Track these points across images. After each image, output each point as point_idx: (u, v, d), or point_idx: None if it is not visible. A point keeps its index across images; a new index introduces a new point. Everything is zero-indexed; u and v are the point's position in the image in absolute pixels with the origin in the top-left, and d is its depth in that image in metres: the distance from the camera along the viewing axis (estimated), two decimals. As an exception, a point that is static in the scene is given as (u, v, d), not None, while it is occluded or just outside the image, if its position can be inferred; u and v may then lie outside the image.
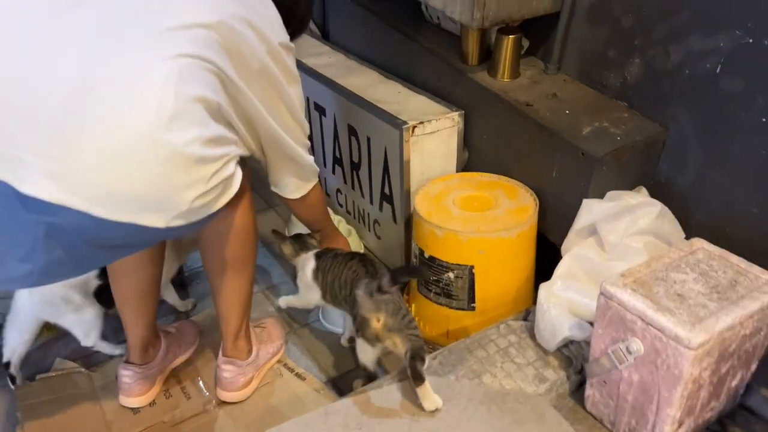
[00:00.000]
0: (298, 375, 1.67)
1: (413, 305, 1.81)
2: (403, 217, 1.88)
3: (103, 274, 1.58)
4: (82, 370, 1.69)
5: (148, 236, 1.13)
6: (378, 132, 1.87)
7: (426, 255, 1.65)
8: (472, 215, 1.62)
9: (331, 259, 1.60)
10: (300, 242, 1.69)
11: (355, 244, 2.15)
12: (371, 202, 2.04)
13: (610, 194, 1.54)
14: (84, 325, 1.65)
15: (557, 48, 1.76)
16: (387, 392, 1.35)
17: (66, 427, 1.52)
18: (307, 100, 2.24)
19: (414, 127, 1.76)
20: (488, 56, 1.84)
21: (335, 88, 2.04)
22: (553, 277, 1.51)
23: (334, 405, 1.32)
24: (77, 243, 1.08)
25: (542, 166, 1.66)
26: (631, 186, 1.59)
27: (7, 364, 1.63)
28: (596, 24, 1.65)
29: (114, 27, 1.04)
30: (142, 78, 1.01)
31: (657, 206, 1.49)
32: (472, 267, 1.59)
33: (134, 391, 1.56)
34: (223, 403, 1.58)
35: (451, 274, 1.62)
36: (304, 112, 1.41)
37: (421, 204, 1.68)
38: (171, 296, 1.91)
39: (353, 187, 2.13)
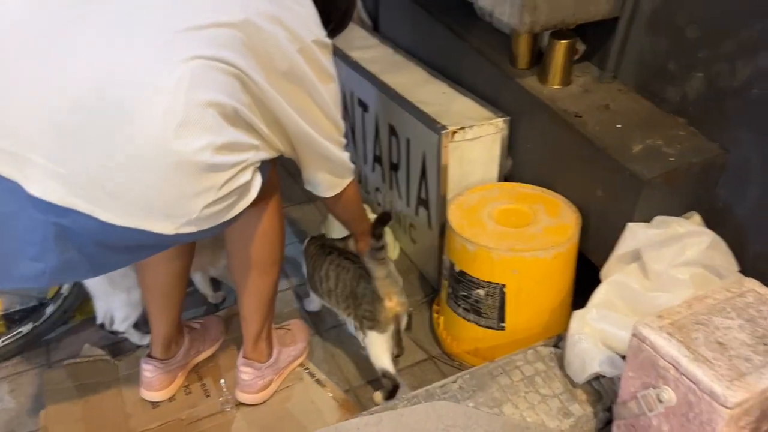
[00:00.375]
0: (318, 381, 1.64)
1: (442, 318, 1.75)
2: (438, 223, 1.81)
3: None
4: (109, 358, 1.70)
5: (160, 241, 1.10)
6: (417, 134, 1.80)
7: (456, 269, 1.58)
8: (507, 231, 1.53)
9: (316, 248, 1.66)
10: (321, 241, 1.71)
11: (390, 246, 2.09)
12: (408, 204, 1.98)
13: (657, 219, 1.43)
14: (127, 307, 1.66)
15: (614, 55, 1.64)
16: (400, 416, 1.29)
17: (86, 415, 1.54)
18: (351, 94, 2.19)
19: (454, 132, 1.68)
20: (539, 60, 1.73)
21: (378, 85, 1.98)
22: (588, 304, 1.42)
23: (345, 425, 1.28)
24: (89, 245, 1.07)
25: (587, 183, 1.55)
26: (683, 211, 1.47)
27: (102, 325, 1.70)
28: (657, 33, 1.53)
29: (130, 26, 1.00)
30: (153, 83, 0.98)
31: (708, 236, 1.38)
32: (503, 286, 1.51)
33: (154, 386, 1.56)
34: (240, 404, 1.56)
35: (481, 291, 1.54)
36: (340, 110, 1.34)
37: (454, 215, 1.60)
38: (204, 286, 1.91)
39: (391, 188, 2.07)
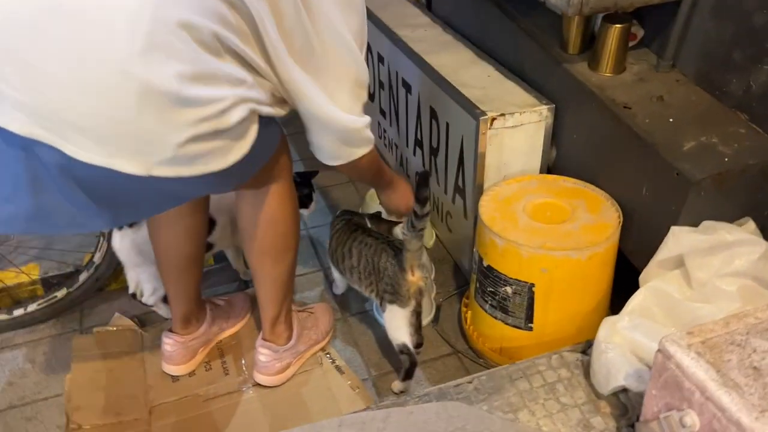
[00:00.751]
0: (338, 368, 1.61)
1: (469, 313, 1.68)
2: (474, 213, 1.73)
3: None
4: (137, 328, 1.73)
5: (141, 188, 1.01)
6: (456, 119, 1.72)
7: (485, 263, 1.50)
8: (541, 227, 1.45)
9: (343, 224, 1.63)
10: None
11: (427, 233, 2.03)
12: (445, 192, 1.91)
13: (705, 224, 1.31)
14: (155, 281, 1.66)
15: (673, 42, 1.51)
16: (409, 413, 1.24)
17: (108, 384, 1.56)
18: (396, 74, 2.12)
19: (493, 119, 1.59)
20: (592, 44, 1.62)
21: (422, 66, 1.90)
22: (622, 312, 1.32)
23: (351, 417, 1.24)
24: (64, 188, 0.99)
25: (632, 180, 1.44)
26: (736, 217, 1.35)
27: (134, 295, 1.71)
28: (722, 19, 1.39)
29: None
30: None
31: (761, 246, 1.25)
32: (532, 285, 1.43)
33: (174, 360, 1.57)
34: (258, 385, 1.55)
35: (508, 289, 1.47)
36: (364, 53, 1.20)
37: (486, 207, 1.52)
38: (236, 262, 1.90)
39: (430, 173, 2.00)
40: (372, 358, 1.66)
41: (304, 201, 1.84)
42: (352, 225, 1.64)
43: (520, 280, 1.44)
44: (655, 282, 1.33)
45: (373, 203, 2.10)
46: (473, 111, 1.62)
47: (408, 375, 1.51)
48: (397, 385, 1.53)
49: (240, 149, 1.05)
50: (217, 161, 1.01)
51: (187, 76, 0.91)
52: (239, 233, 1.43)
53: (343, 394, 1.53)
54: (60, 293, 1.76)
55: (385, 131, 2.39)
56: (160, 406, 1.51)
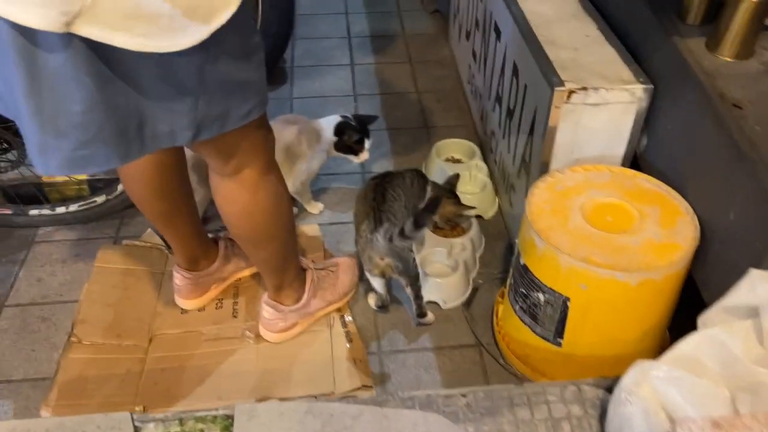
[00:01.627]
0: (348, 334, 1.49)
1: (501, 307, 1.49)
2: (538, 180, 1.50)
3: None
4: (163, 247, 1.69)
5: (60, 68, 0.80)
6: (534, 82, 1.47)
7: (521, 261, 1.30)
8: (594, 233, 1.21)
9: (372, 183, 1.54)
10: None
11: (489, 200, 1.83)
12: (513, 162, 1.67)
13: (797, 276, 1.03)
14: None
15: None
16: (384, 416, 1.11)
17: (120, 302, 1.55)
18: (490, 15, 1.86)
19: (572, 91, 1.33)
20: (715, 16, 1.29)
21: (515, 11, 1.64)
22: (663, 357, 1.08)
23: (321, 406, 1.12)
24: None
25: (722, 198, 1.16)
26: (844, 272, 1.05)
27: None
28: None
29: None
30: None
31: None
32: (567, 299, 1.21)
33: (183, 294, 1.52)
34: (260, 336, 1.48)
35: (541, 296, 1.26)
36: None
37: (538, 196, 1.30)
38: (304, 196, 1.81)
39: (503, 136, 1.76)
40: (386, 330, 1.53)
41: (354, 148, 1.70)
42: (377, 187, 1.50)
43: (554, 291, 1.22)
44: (717, 330, 1.08)
45: (438, 158, 1.92)
46: (551, 78, 1.36)
47: (380, 308, 1.56)
48: (372, 299, 1.57)
49: (205, 24, 0.81)
50: (167, 36, 0.78)
51: None
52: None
53: (343, 366, 1.42)
54: (99, 198, 1.75)
55: (473, 77, 2.15)
56: (161, 336, 1.48)
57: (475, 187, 1.87)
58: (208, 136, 0.97)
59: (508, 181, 1.73)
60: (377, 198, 1.45)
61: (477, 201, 1.80)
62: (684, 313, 1.21)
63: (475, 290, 1.61)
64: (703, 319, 1.12)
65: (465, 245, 1.63)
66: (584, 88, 1.33)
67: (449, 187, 1.67)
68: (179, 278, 1.49)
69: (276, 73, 2.40)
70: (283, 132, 1.64)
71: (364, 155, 1.72)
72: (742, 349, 1.06)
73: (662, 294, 1.20)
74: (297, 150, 1.68)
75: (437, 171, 1.91)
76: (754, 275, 1.04)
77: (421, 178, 1.59)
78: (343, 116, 1.72)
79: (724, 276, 1.14)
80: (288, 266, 1.39)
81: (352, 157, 1.73)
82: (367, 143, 1.71)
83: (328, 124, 1.71)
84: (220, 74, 0.93)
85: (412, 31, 2.77)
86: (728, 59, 1.25)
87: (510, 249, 1.72)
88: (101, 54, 0.80)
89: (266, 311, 1.43)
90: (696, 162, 1.24)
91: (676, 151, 1.31)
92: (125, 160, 0.92)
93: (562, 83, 1.33)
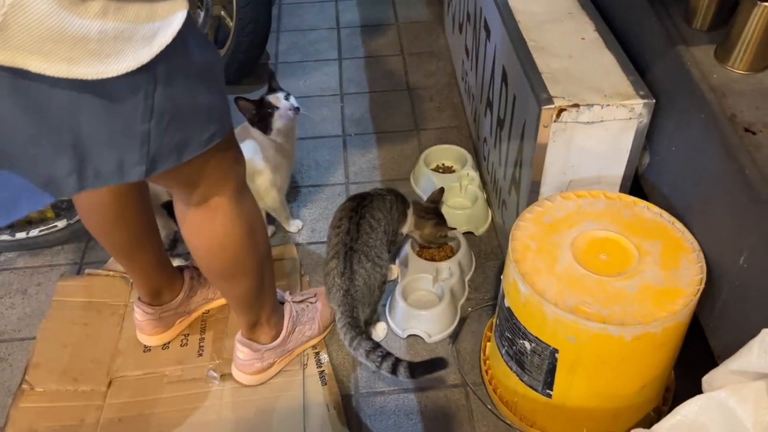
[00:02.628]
0: (322, 375, 1.37)
1: (489, 345, 1.36)
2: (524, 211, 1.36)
3: None
4: (128, 278, 1.57)
5: None
6: (523, 95, 1.31)
7: (506, 302, 1.16)
8: (585, 276, 1.07)
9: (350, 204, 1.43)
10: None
11: (481, 215, 1.68)
12: (504, 176, 1.53)
13: (817, 340, 0.88)
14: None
15: None
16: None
17: (77, 341, 1.44)
18: (480, 11, 1.69)
19: (562, 109, 1.18)
20: (726, 21, 1.13)
21: (503, 9, 1.47)
22: (662, 422, 0.95)
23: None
24: None
25: (731, 239, 1.01)
26: None
27: None
28: None
29: None
30: None
31: None
32: (555, 350, 1.08)
33: (145, 330, 1.41)
34: (229, 374, 1.36)
35: (527, 344, 1.12)
36: None
37: (523, 230, 1.16)
38: (281, 213, 1.68)
39: (495, 146, 1.61)
40: (365, 367, 1.40)
41: (269, 111, 1.50)
42: (353, 214, 1.38)
43: (541, 340, 1.09)
44: (723, 394, 0.94)
45: (426, 167, 1.78)
46: (539, 93, 1.20)
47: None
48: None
49: (146, 46, 0.71)
50: (97, 61, 0.68)
51: None
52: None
53: (316, 413, 1.30)
54: (60, 223, 1.64)
55: (466, 74, 1.99)
56: (120, 379, 1.37)
57: (466, 200, 1.72)
58: (166, 168, 0.85)
59: (501, 195, 1.58)
60: (351, 230, 1.33)
61: (468, 216, 1.66)
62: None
63: (463, 320, 1.48)
64: (707, 380, 0.98)
65: (452, 270, 1.49)
66: (576, 105, 1.18)
67: (433, 206, 1.53)
68: (140, 313, 1.38)
69: (257, 71, 2.25)
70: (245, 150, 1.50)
71: (285, 105, 1.51)
72: (752, 416, 0.93)
73: (662, 348, 1.06)
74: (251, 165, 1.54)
75: (426, 182, 1.77)
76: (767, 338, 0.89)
77: (402, 202, 1.46)
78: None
79: (734, 327, 1.01)
80: (264, 301, 1.27)
81: (276, 119, 1.50)
82: (281, 96, 1.51)
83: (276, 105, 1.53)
84: (173, 100, 0.80)
85: (406, 18, 2.59)
86: (740, 72, 1.09)
87: (503, 269, 1.58)
88: (23, 82, 0.68)
89: (241, 351, 1.31)
90: (703, 192, 1.09)
91: (680, 175, 1.16)
92: (60, 197, 0.80)
93: (550, 100, 1.18)
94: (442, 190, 1.58)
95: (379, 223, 1.37)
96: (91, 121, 0.75)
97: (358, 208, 1.38)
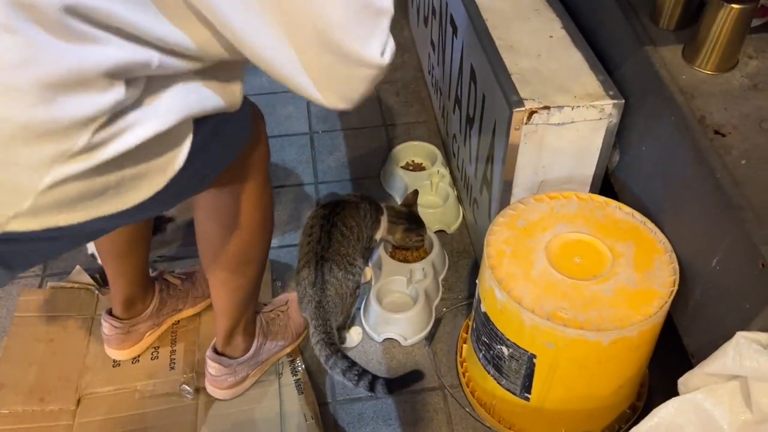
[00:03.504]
0: (298, 383, 1.36)
1: (465, 348, 1.36)
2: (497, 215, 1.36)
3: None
4: (94, 288, 1.52)
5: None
6: (492, 95, 1.30)
7: (482, 308, 1.16)
8: (561, 280, 1.07)
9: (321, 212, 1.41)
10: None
11: (452, 213, 1.68)
12: (475, 174, 1.52)
13: (790, 341, 0.90)
14: None
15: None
16: None
17: (43, 358, 1.39)
18: (446, 6, 1.67)
19: (533, 111, 1.17)
20: (693, 20, 1.13)
21: (469, 6, 1.45)
22: (639, 425, 0.97)
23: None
24: None
25: (703, 242, 1.02)
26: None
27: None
28: None
29: None
30: None
31: None
32: (533, 356, 1.08)
33: (113, 344, 1.37)
34: (203, 388, 1.33)
35: (504, 350, 1.13)
36: None
37: (497, 236, 1.15)
38: None
39: (464, 144, 1.60)
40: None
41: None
42: (325, 222, 1.36)
43: (519, 346, 1.09)
44: (699, 395, 0.96)
45: (396, 166, 1.76)
46: (509, 95, 1.19)
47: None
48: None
49: (161, 174, 0.71)
50: (117, 199, 0.69)
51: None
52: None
53: (295, 422, 1.28)
54: (19, 235, 1.57)
55: (433, 68, 1.97)
56: (90, 396, 1.33)
57: (437, 198, 1.71)
58: (186, 199, 0.85)
59: (472, 192, 1.58)
60: (323, 239, 1.31)
61: (440, 215, 1.65)
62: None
63: (438, 321, 1.47)
64: (683, 381, 1.00)
65: (426, 271, 1.48)
66: (546, 108, 1.17)
67: (406, 210, 1.52)
68: (108, 327, 1.34)
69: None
70: None
71: None
72: (728, 416, 0.95)
73: (638, 349, 1.07)
74: None
75: (396, 181, 1.75)
76: (742, 342, 0.91)
77: (375, 209, 1.45)
78: None
79: (707, 328, 1.02)
80: (251, 303, 1.25)
81: None
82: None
83: None
84: (187, 178, 0.76)
85: (368, 10, 2.55)
86: (708, 72, 1.10)
87: (475, 267, 1.58)
88: None
89: (212, 368, 1.28)
90: (674, 193, 1.09)
91: (651, 175, 1.17)
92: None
93: (521, 103, 1.17)
94: (416, 193, 1.57)
95: (351, 231, 1.35)
96: None
97: (330, 215, 1.35)
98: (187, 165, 0.73)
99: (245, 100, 0.84)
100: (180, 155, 0.72)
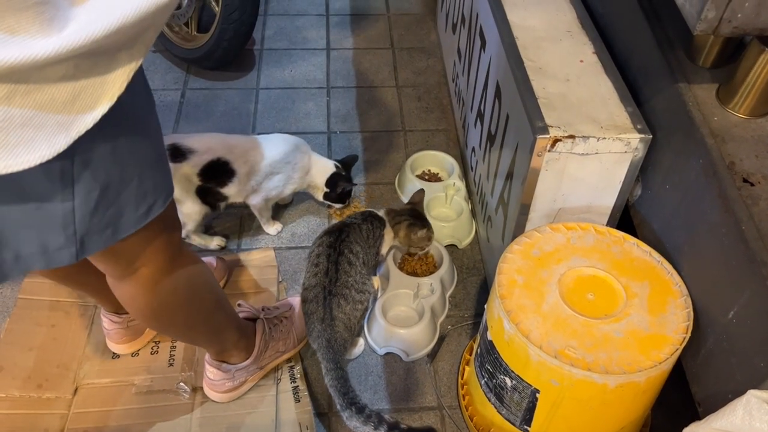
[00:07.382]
0: (296, 391, 1.34)
1: (468, 370, 1.34)
2: (511, 238, 1.33)
3: (205, 174, 1.45)
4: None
5: None
6: (517, 117, 1.28)
7: (488, 336, 1.14)
8: (572, 317, 1.04)
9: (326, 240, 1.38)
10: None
11: (465, 228, 1.65)
12: (492, 193, 1.49)
13: (803, 406, 0.87)
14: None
15: None
16: None
17: (43, 344, 1.39)
18: (476, 17, 1.64)
19: (557, 140, 1.14)
20: (731, 60, 1.10)
21: (500, 22, 1.42)
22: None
23: None
24: None
25: (721, 290, 0.99)
26: None
27: None
28: None
29: None
30: None
31: None
32: (537, 391, 1.06)
33: (113, 338, 1.36)
34: (201, 389, 1.32)
35: (507, 381, 1.11)
36: None
37: (510, 264, 1.13)
38: (264, 214, 1.65)
39: (483, 160, 1.58)
40: (342, 384, 1.37)
41: (343, 198, 1.69)
42: (331, 251, 1.33)
43: (523, 380, 1.07)
44: (704, 450, 0.93)
45: (412, 174, 1.74)
46: (534, 121, 1.17)
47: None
48: None
49: (81, 116, 0.61)
50: (11, 146, 0.57)
51: None
52: None
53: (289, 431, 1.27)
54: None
55: (458, 76, 1.94)
56: (87, 386, 1.33)
57: (451, 212, 1.69)
58: (100, 249, 0.78)
59: (487, 210, 1.55)
60: (330, 270, 1.28)
61: (452, 229, 1.63)
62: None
63: (442, 338, 1.45)
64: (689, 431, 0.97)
65: (434, 287, 1.46)
66: (572, 137, 1.14)
67: (409, 206, 1.50)
68: (107, 323, 1.33)
69: (242, 57, 2.18)
70: (275, 147, 1.55)
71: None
72: (733, 474, 0.91)
73: (644, 394, 1.05)
74: (279, 168, 1.55)
75: (411, 189, 1.72)
76: (753, 402, 0.88)
77: (377, 225, 1.42)
78: (336, 164, 1.64)
79: (717, 379, 1.00)
80: (224, 335, 1.22)
81: (338, 206, 1.71)
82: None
83: (321, 169, 1.63)
84: (99, 176, 0.72)
85: (397, 10, 2.52)
86: (742, 116, 1.06)
87: (485, 285, 1.56)
88: None
89: (210, 372, 1.27)
90: (695, 237, 1.06)
91: (672, 214, 1.14)
92: None
93: (546, 130, 1.14)
94: (422, 192, 1.54)
95: (357, 257, 1.33)
96: (3, 203, 0.68)
97: (335, 243, 1.32)
98: (94, 160, 0.69)
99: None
100: (90, 116, 0.61)
